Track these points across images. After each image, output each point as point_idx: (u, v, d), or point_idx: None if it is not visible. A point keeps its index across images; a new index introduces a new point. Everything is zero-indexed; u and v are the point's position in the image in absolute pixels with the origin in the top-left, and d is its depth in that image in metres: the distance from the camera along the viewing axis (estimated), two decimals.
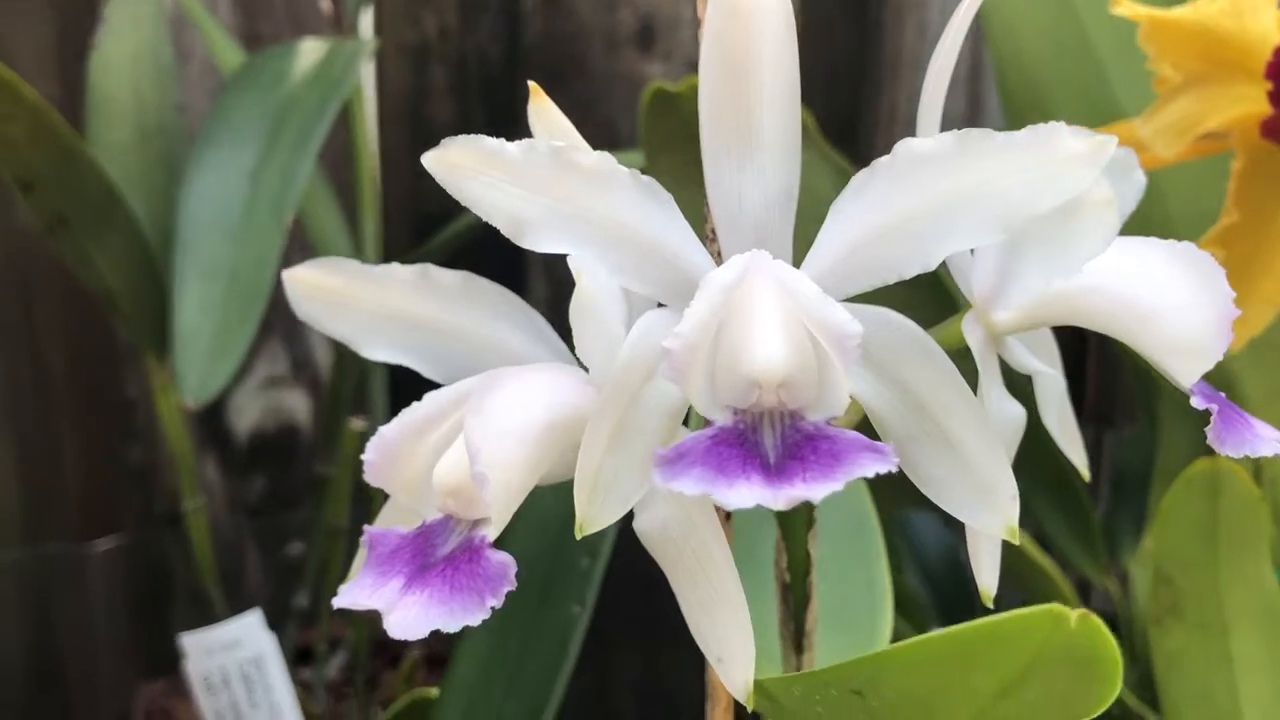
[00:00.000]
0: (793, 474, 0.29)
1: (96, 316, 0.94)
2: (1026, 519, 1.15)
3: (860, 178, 0.34)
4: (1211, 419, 0.35)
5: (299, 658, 0.85)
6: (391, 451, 0.34)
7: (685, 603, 0.35)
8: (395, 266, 0.38)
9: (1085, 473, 0.45)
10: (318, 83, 0.75)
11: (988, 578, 0.37)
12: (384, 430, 0.35)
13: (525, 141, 0.32)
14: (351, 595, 0.33)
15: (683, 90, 0.72)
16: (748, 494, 0.28)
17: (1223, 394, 0.38)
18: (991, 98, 1.20)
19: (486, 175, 0.32)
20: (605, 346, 0.33)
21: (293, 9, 0.98)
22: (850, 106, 1.22)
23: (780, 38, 0.34)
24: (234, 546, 1.04)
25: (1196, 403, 0.36)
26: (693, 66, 1.22)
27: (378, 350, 0.39)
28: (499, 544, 0.33)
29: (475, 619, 0.32)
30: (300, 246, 0.93)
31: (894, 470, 0.29)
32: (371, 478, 0.35)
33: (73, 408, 1.01)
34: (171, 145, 0.78)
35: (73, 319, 0.98)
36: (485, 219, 0.32)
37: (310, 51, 0.80)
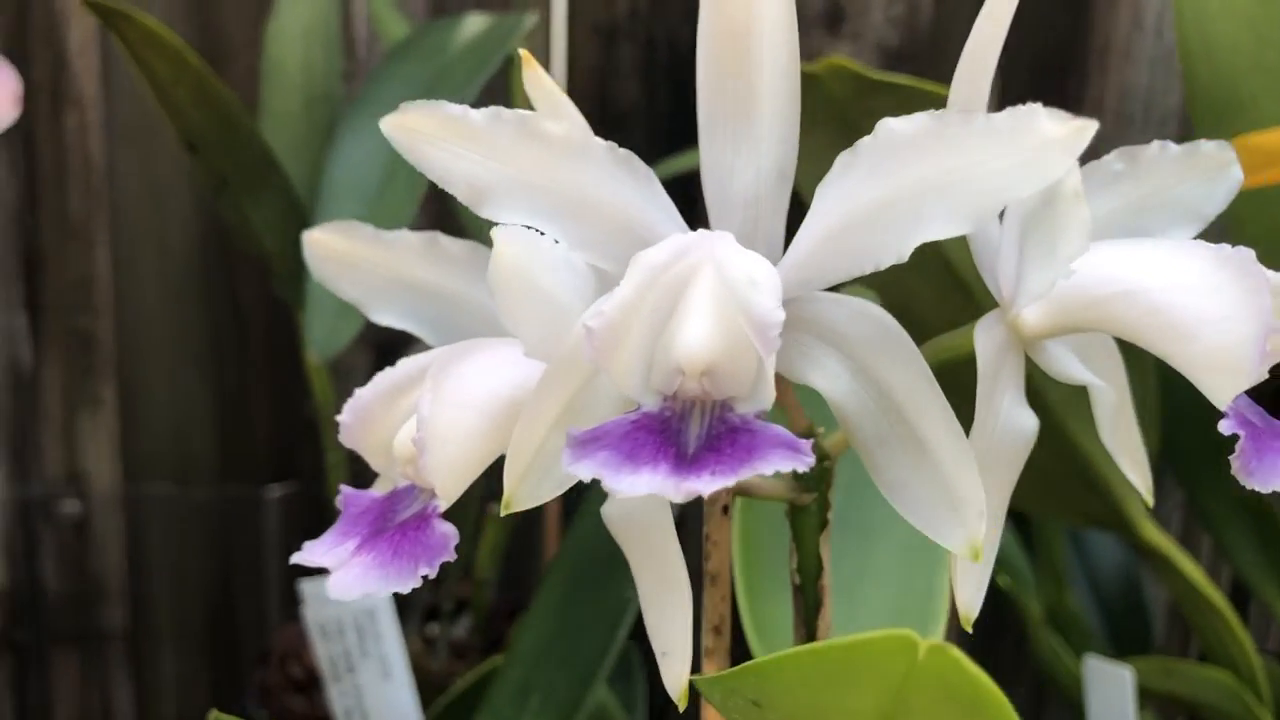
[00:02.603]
0: (702, 466, 0.28)
1: None
2: (1221, 557, 1.06)
3: (844, 158, 0.32)
4: (1238, 446, 0.32)
5: (430, 615, 0.88)
6: (364, 415, 0.35)
7: (641, 593, 0.34)
8: (405, 233, 0.38)
9: (1149, 497, 0.41)
10: (469, 56, 0.77)
11: (965, 595, 0.34)
12: (359, 393, 0.35)
13: (490, 109, 0.32)
14: (311, 552, 0.34)
15: (820, 71, 0.70)
16: (646, 483, 0.27)
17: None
18: None
19: (446, 141, 0.31)
20: (542, 319, 0.32)
21: None
22: (1055, 97, 1.15)
23: (779, 8, 0.33)
24: None
25: (1225, 426, 0.32)
26: (883, 49, 1.18)
27: (385, 315, 0.39)
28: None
29: (406, 586, 0.32)
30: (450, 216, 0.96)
31: (805, 468, 0.28)
32: (345, 439, 0.35)
33: (265, 362, 1.07)
34: (334, 113, 0.82)
35: (268, 276, 1.04)
36: (443, 186, 0.32)
37: (472, 25, 0.82)
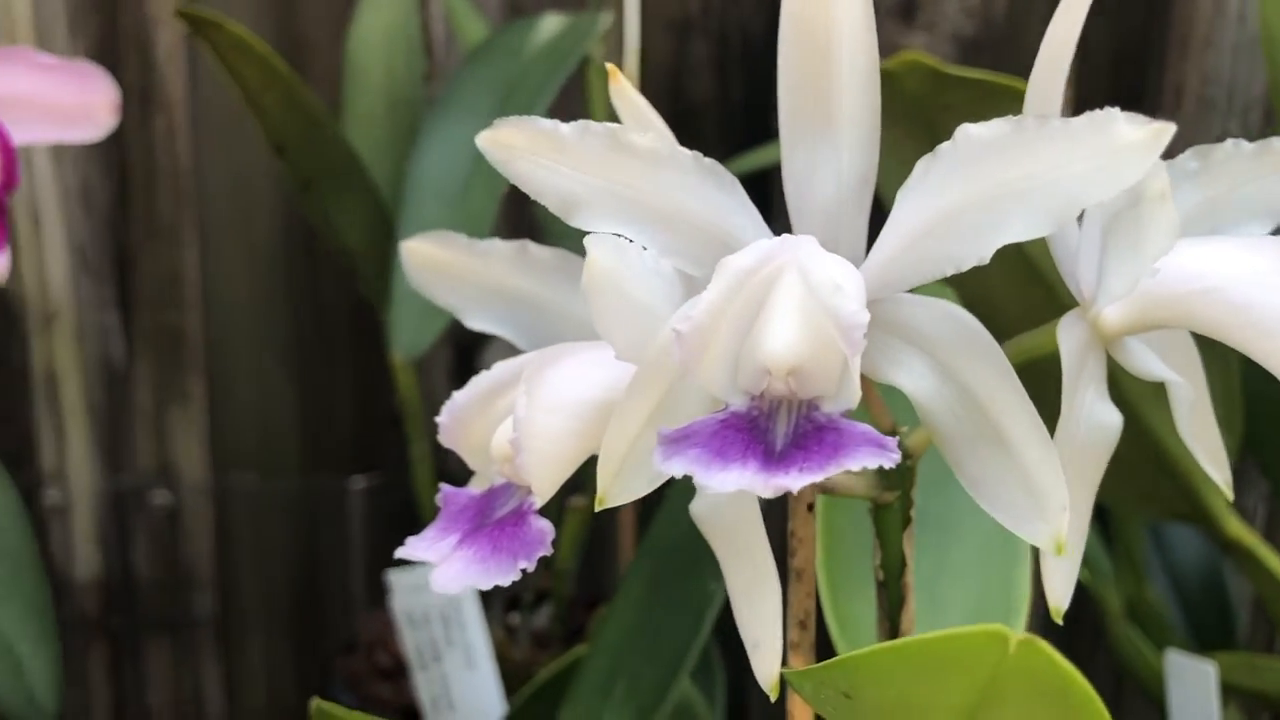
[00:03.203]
0: (790, 463, 0.29)
1: None
2: None
3: (924, 163, 0.32)
4: None
5: (511, 604, 0.90)
6: (461, 416, 0.36)
7: (731, 588, 0.35)
8: (497, 242, 0.40)
9: (1228, 492, 0.41)
10: (546, 57, 0.78)
11: (1055, 588, 0.35)
12: (456, 396, 0.36)
13: (580, 123, 0.33)
14: (414, 546, 0.36)
15: (895, 67, 0.70)
16: (736, 480, 0.28)
17: None
18: None
19: (538, 155, 0.33)
20: (632, 324, 0.33)
21: None
22: (1135, 86, 1.14)
23: (858, 18, 0.33)
24: None
25: None
26: (958, 39, 1.18)
27: (478, 320, 0.41)
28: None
29: (505, 579, 0.33)
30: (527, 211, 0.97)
31: (891, 465, 0.28)
32: (444, 439, 0.37)
33: (348, 354, 1.10)
34: (416, 115, 0.84)
35: (351, 273, 1.07)
36: (536, 198, 0.33)
37: (549, 26, 0.83)
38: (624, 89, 0.36)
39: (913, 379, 0.32)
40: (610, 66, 0.36)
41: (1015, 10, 1.07)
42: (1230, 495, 0.41)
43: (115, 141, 1.04)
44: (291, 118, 0.74)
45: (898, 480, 0.38)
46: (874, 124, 0.34)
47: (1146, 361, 0.37)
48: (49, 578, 1.04)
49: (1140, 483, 0.86)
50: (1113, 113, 0.29)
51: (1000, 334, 0.51)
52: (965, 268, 0.31)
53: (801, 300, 0.30)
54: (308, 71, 0.99)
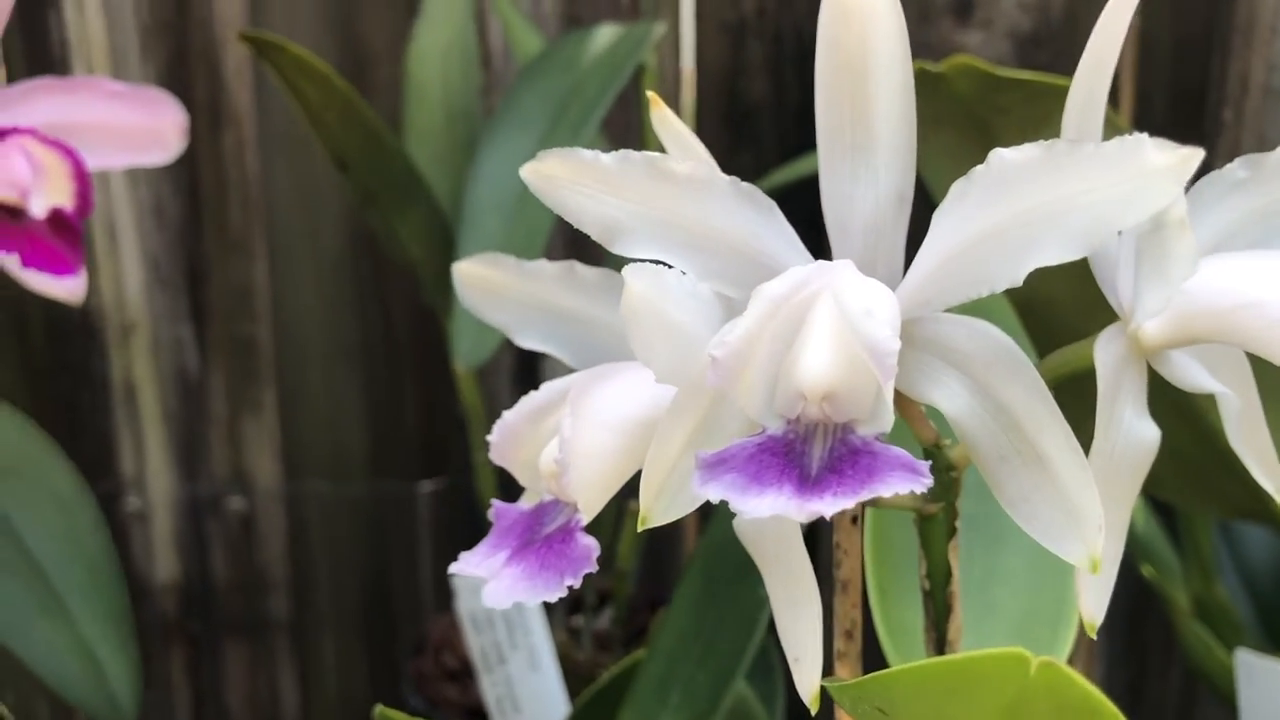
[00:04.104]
0: (825, 488, 0.29)
1: None
2: None
3: (959, 186, 0.33)
4: None
5: (574, 607, 0.91)
6: (510, 435, 0.37)
7: (774, 601, 0.36)
8: (544, 263, 0.41)
9: None
10: (602, 67, 0.79)
11: (1089, 604, 0.35)
12: (506, 415, 0.38)
13: (620, 152, 0.34)
14: (466, 562, 0.37)
15: (946, 71, 0.70)
16: (771, 505, 0.29)
17: None
18: None
19: (580, 184, 0.34)
20: (671, 348, 0.34)
21: None
22: (1199, 76, 1.12)
23: (893, 42, 0.34)
24: None
25: None
26: (1015, 36, 1.17)
27: (528, 339, 0.42)
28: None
29: (553, 595, 0.34)
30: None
31: (922, 489, 0.29)
32: (494, 457, 0.38)
33: (415, 361, 1.12)
34: (474, 128, 0.85)
35: (416, 282, 1.09)
36: (577, 226, 0.34)
37: (604, 37, 0.84)
38: (665, 116, 0.37)
39: (948, 397, 0.33)
40: (651, 95, 0.37)
41: (1073, 5, 1.06)
42: None
43: (186, 158, 1.06)
44: (352, 135, 0.76)
45: (942, 492, 0.39)
46: (910, 144, 0.35)
47: (1190, 373, 0.37)
48: (130, 582, 1.08)
49: (1207, 482, 0.85)
50: (1141, 138, 0.29)
51: (1056, 328, 0.51)
52: (999, 289, 0.32)
53: (835, 326, 0.30)
54: (371, 83, 1.01)
